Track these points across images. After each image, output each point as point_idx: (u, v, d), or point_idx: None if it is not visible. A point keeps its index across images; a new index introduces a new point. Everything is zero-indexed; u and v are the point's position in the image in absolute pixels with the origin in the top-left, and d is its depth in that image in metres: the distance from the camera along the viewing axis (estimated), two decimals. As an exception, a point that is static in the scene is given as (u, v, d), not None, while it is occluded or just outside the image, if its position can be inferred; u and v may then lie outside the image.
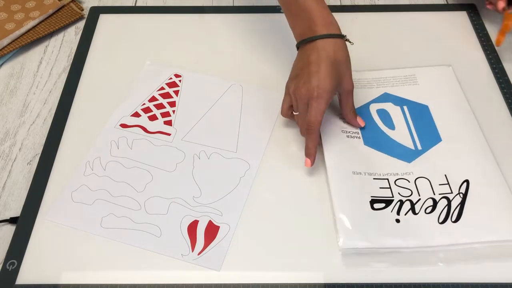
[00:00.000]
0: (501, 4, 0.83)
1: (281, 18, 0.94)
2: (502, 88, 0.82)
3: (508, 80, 0.84)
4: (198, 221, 0.67)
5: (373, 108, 0.77)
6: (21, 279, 0.63)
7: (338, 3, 0.98)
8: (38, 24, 0.92)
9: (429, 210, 0.63)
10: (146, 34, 0.92)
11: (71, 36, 0.93)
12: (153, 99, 0.81)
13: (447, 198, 0.64)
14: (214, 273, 0.63)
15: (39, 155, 0.75)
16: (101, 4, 0.99)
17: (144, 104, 0.80)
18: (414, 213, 0.63)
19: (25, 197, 0.70)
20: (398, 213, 0.63)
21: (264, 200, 0.69)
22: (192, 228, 0.66)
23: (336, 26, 0.70)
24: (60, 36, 0.93)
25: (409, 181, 0.66)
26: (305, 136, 0.70)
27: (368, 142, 0.72)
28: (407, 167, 0.69)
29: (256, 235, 0.66)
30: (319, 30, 0.69)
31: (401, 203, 0.63)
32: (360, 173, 0.68)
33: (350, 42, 0.71)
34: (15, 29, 0.90)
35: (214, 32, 0.92)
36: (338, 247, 0.63)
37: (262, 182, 0.71)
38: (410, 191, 0.65)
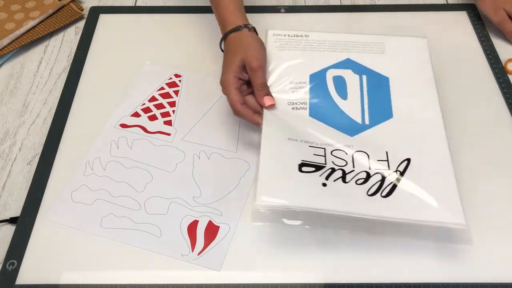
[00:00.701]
0: None
1: (281, 18, 0.95)
2: (502, 88, 0.83)
3: (508, 80, 0.84)
4: (198, 221, 0.67)
5: (330, 74, 0.74)
6: (21, 279, 0.63)
7: (338, 3, 0.98)
8: (38, 24, 0.93)
9: (360, 182, 0.60)
10: (146, 34, 0.92)
11: (71, 36, 0.93)
12: (153, 99, 0.81)
13: (381, 174, 0.61)
14: (214, 273, 0.63)
15: (39, 155, 0.75)
16: (101, 4, 0.99)
17: (144, 104, 0.80)
18: (344, 181, 0.60)
19: (25, 197, 0.70)
20: (326, 178, 0.60)
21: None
22: (192, 228, 0.66)
23: (241, 18, 0.77)
24: (60, 36, 0.93)
25: (346, 153, 0.63)
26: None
27: (313, 113, 0.70)
28: (348, 140, 0.66)
29: (256, 235, 0.66)
30: (227, 28, 0.76)
31: (333, 170, 0.60)
32: (296, 140, 0.65)
33: (250, 29, 0.76)
34: (15, 29, 0.90)
35: (214, 32, 0.91)
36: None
37: (262, 182, 0.71)
38: (345, 162, 0.62)
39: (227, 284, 0.62)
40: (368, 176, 0.60)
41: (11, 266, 0.64)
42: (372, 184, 0.59)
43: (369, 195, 0.58)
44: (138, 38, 0.91)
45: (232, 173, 0.72)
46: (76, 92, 0.83)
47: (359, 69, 0.74)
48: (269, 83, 0.72)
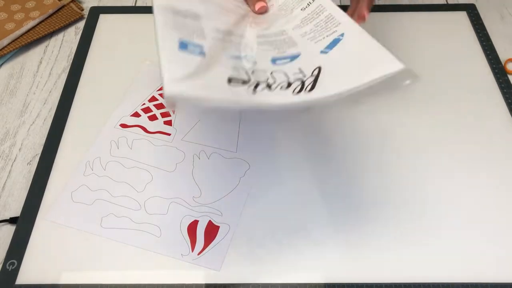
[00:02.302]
0: None
1: (281, 18, 0.94)
2: (502, 88, 0.83)
3: (508, 80, 0.84)
4: (198, 221, 0.67)
5: None
6: (21, 279, 0.63)
7: (338, 3, 0.98)
8: (38, 24, 0.93)
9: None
10: (146, 34, 0.92)
11: (71, 36, 0.93)
12: (153, 99, 0.81)
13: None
14: (214, 273, 0.63)
15: (39, 155, 0.75)
16: (101, 4, 0.99)
17: (144, 104, 0.80)
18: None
19: (25, 197, 0.70)
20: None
21: (264, 200, 0.69)
22: (192, 228, 0.66)
23: None
24: (60, 36, 0.93)
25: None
26: None
27: None
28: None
29: (256, 235, 0.66)
30: None
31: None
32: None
33: None
34: (15, 29, 0.90)
35: (214, 32, 0.92)
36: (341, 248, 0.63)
37: (262, 182, 0.71)
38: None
39: (227, 284, 0.62)
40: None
41: (11, 266, 0.64)
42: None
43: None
44: (138, 38, 0.91)
45: (232, 173, 0.72)
46: (76, 92, 0.83)
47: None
48: None
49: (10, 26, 0.90)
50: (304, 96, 0.55)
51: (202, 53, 0.57)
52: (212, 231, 0.66)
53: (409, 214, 0.68)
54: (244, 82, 0.57)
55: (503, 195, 0.70)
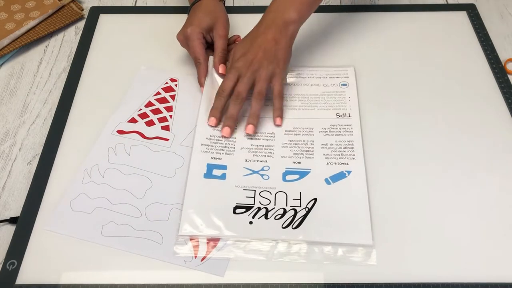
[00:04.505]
0: None
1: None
2: (502, 88, 0.83)
3: (508, 80, 0.84)
4: (199, 226, 0.66)
5: None
6: (21, 279, 0.63)
7: (338, 3, 0.98)
8: (38, 24, 0.93)
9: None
10: (146, 34, 0.92)
11: (71, 36, 0.93)
12: (149, 104, 0.80)
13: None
14: (218, 278, 0.63)
15: (39, 155, 0.75)
16: (101, 4, 0.99)
17: (140, 109, 0.79)
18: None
19: (25, 197, 0.70)
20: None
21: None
22: (193, 234, 0.66)
23: None
24: (60, 36, 0.93)
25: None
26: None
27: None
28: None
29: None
30: None
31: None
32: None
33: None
34: (15, 29, 0.90)
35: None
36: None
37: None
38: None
39: (228, 284, 0.62)
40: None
41: (11, 266, 0.64)
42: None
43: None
44: (139, 38, 0.91)
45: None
46: (76, 92, 0.83)
47: None
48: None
49: (10, 26, 0.90)
50: (287, 233, 0.66)
51: (223, 176, 0.71)
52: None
53: (408, 214, 0.68)
54: (247, 209, 0.68)
55: (503, 194, 0.70)
